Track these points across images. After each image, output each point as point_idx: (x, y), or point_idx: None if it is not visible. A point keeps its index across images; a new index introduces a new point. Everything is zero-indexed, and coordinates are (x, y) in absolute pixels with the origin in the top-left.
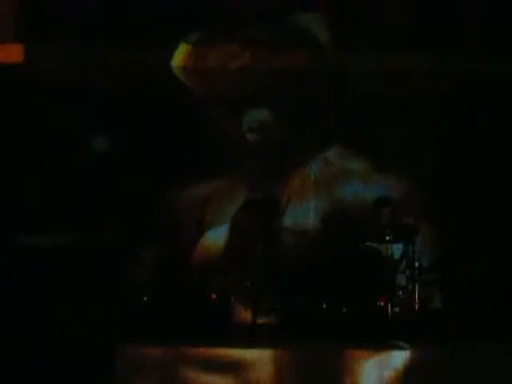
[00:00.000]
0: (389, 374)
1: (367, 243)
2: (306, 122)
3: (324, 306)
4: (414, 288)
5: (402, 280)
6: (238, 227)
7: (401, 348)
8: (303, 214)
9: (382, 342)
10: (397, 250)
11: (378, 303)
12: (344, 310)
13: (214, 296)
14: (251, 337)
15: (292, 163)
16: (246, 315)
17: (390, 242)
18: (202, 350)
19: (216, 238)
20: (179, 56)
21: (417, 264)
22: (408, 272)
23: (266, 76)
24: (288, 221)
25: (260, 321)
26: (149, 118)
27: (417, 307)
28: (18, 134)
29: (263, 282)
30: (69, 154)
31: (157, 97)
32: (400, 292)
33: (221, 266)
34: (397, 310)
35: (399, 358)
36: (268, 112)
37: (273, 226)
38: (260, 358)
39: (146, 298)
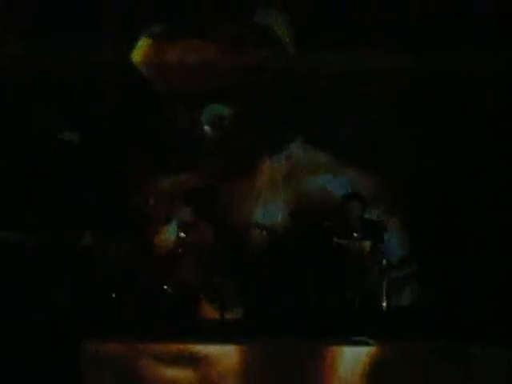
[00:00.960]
0: (354, 369)
1: (335, 239)
2: (268, 118)
3: (291, 301)
4: (381, 284)
5: (370, 276)
6: (180, 220)
7: (367, 344)
8: (270, 209)
9: (348, 338)
10: (366, 246)
11: (346, 299)
12: (311, 305)
13: (183, 292)
14: (218, 332)
15: (255, 159)
16: (213, 311)
17: (358, 238)
18: (167, 345)
19: (171, 232)
20: (139, 50)
21: (385, 261)
22: (376, 268)
23: (227, 71)
24: (257, 216)
25: (227, 316)
26: (109, 114)
27: (384, 304)
28: None
29: (230, 278)
30: (32, 150)
31: (118, 92)
32: (368, 288)
33: (185, 261)
34: (364, 305)
35: (365, 353)
36: (227, 107)
37: (213, 216)
38: (226, 353)
39: (113, 295)
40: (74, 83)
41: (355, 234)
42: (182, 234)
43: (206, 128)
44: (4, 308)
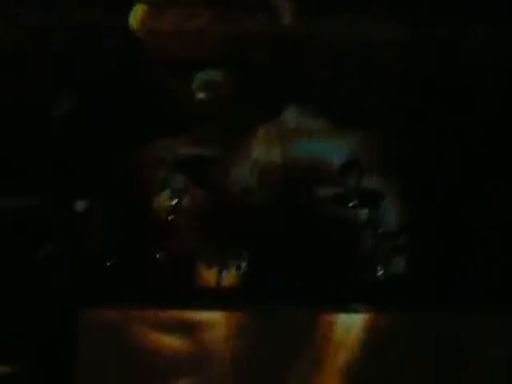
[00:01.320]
0: (350, 338)
1: (332, 207)
2: (263, 85)
3: (289, 269)
4: (378, 254)
5: (366, 245)
6: (173, 188)
7: (363, 312)
8: (266, 174)
9: (344, 306)
10: (362, 214)
11: (343, 268)
12: (309, 273)
13: (179, 258)
14: (216, 299)
15: (248, 124)
16: (211, 277)
17: (354, 207)
18: (163, 312)
19: (166, 200)
20: (134, 17)
21: (381, 230)
22: (373, 237)
23: (222, 38)
24: (251, 182)
25: (223, 283)
26: (100, 80)
27: (381, 273)
28: None
29: (228, 244)
30: (24, 118)
31: (109, 58)
32: (364, 257)
33: (180, 228)
34: (361, 274)
35: (361, 322)
36: (220, 74)
37: (207, 182)
38: (222, 320)
39: (109, 263)
40: (66, 46)
41: (352, 203)
42: (175, 201)
43: (197, 93)
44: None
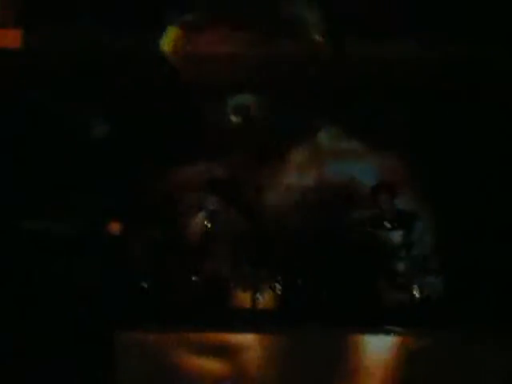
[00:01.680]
0: (385, 359)
1: (367, 229)
2: (295, 107)
3: (323, 291)
4: (413, 275)
5: (401, 267)
6: (207, 210)
7: (398, 334)
8: (301, 196)
9: (380, 328)
10: (397, 236)
11: (377, 289)
12: (343, 295)
13: (214, 281)
14: (251, 321)
15: (284, 146)
16: (245, 300)
17: (390, 229)
18: (200, 335)
19: (201, 222)
20: (167, 40)
21: (417, 250)
22: (408, 259)
23: (255, 61)
24: (287, 204)
25: (259, 305)
26: (136, 104)
27: (416, 294)
28: (12, 119)
29: (263, 267)
30: (63, 140)
31: (145, 82)
32: (399, 279)
33: (215, 250)
34: (396, 296)
35: (397, 343)
36: (253, 97)
37: (240, 204)
38: (258, 342)
39: (146, 285)
40: (102, 72)
41: (387, 225)
42: (208, 224)
43: (232, 117)
44: (35, 300)
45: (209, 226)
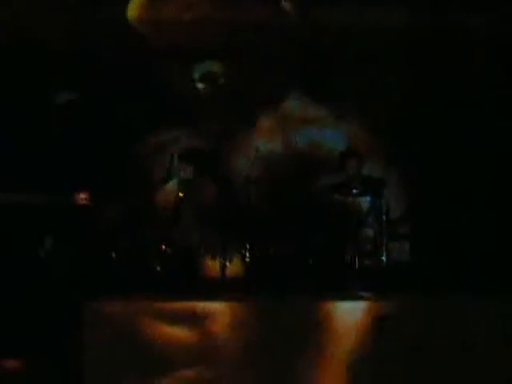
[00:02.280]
0: (354, 325)
1: (335, 195)
2: (264, 74)
3: (292, 258)
4: (381, 241)
5: (369, 233)
6: (180, 179)
7: (366, 299)
8: (269, 164)
9: (348, 293)
10: (364, 202)
11: (346, 255)
12: (310, 261)
13: (184, 249)
14: (219, 290)
15: (252, 114)
16: (214, 268)
17: (357, 195)
18: (168, 303)
19: (171, 191)
20: (134, 6)
21: (384, 217)
22: (375, 225)
23: (222, 26)
24: (255, 171)
25: (228, 273)
26: (104, 71)
27: (384, 259)
28: None
29: (231, 234)
30: (35, 111)
31: (111, 49)
32: (368, 245)
33: (185, 220)
34: (364, 262)
35: (365, 308)
36: (219, 63)
37: (207, 174)
38: (226, 310)
39: (114, 255)
40: (70, 40)
41: (354, 191)
42: (181, 194)
43: (199, 84)
44: (5, 270)
45: (180, 194)
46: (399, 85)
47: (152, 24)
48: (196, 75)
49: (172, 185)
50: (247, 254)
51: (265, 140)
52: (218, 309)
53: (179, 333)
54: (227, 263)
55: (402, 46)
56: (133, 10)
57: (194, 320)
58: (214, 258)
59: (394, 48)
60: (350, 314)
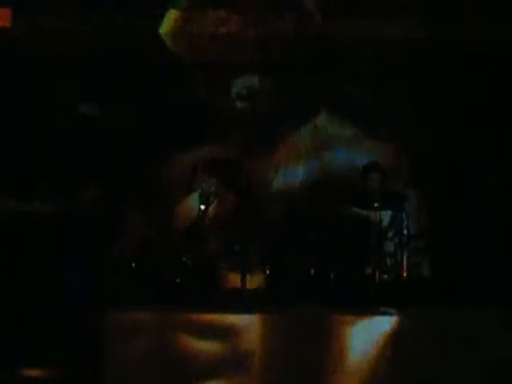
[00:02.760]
0: (375, 339)
1: (356, 209)
2: (294, 89)
3: (312, 270)
4: (402, 255)
5: (390, 247)
6: (203, 191)
7: (387, 314)
8: (293, 179)
9: (369, 308)
10: (385, 216)
11: (366, 269)
12: (332, 275)
13: (205, 261)
14: (240, 302)
15: (281, 130)
16: (235, 280)
17: (378, 208)
18: (190, 315)
19: (193, 203)
20: (167, 22)
21: (405, 231)
22: (396, 239)
23: (254, 42)
24: (277, 186)
25: (249, 286)
26: (137, 85)
27: (405, 274)
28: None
29: (252, 247)
30: (54, 118)
31: (144, 63)
32: (388, 259)
33: (206, 232)
34: (385, 276)
35: (386, 323)
36: (257, 78)
37: (236, 187)
38: (248, 322)
39: (134, 265)
40: (100, 55)
41: (376, 204)
42: (202, 206)
43: (237, 100)
44: (23, 279)
45: (202, 207)
46: (422, 101)
47: (185, 39)
48: (234, 90)
49: (194, 196)
50: (268, 267)
51: (289, 157)
52: (238, 321)
53: (199, 345)
54: (247, 275)
55: (426, 59)
56: (166, 26)
57: (215, 332)
58: (234, 270)
59: (418, 61)
60: (370, 328)
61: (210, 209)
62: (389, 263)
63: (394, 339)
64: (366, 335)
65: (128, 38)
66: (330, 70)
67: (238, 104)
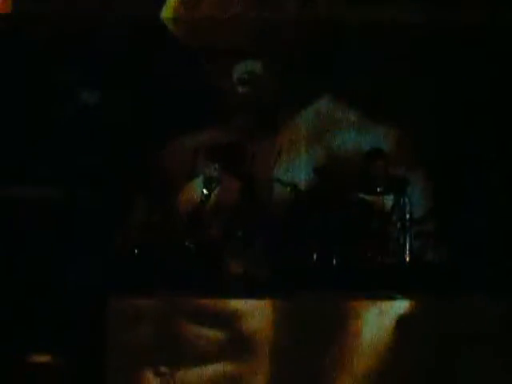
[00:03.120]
0: (381, 323)
1: (359, 194)
2: (296, 73)
3: (315, 256)
4: (405, 239)
5: (393, 231)
6: (206, 176)
7: (393, 298)
8: (295, 164)
9: (373, 293)
10: (388, 201)
11: (369, 254)
12: (335, 260)
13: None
14: (243, 287)
15: (283, 114)
16: (237, 266)
17: (381, 193)
18: (192, 300)
19: (196, 188)
20: (169, 6)
21: (408, 216)
22: (399, 224)
23: (256, 25)
24: (280, 172)
25: (252, 272)
26: (136, 70)
27: (408, 259)
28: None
29: (255, 233)
30: (55, 106)
31: (144, 48)
32: (391, 243)
33: (209, 217)
34: (388, 260)
35: (391, 308)
36: (258, 63)
37: (238, 172)
38: (252, 309)
39: (136, 251)
40: (100, 40)
41: (378, 189)
42: (205, 191)
43: (238, 85)
44: (26, 266)
45: (205, 192)
46: (427, 86)
47: (186, 23)
48: (236, 76)
49: (198, 183)
50: (270, 252)
51: (291, 141)
52: (241, 306)
53: (203, 330)
54: (250, 261)
55: (430, 45)
56: (167, 10)
57: (219, 318)
58: (236, 255)
59: (424, 46)
60: (373, 312)
61: (213, 194)
62: (391, 247)
63: (399, 324)
64: (372, 320)
65: (128, 22)
66: (332, 54)
67: (240, 89)
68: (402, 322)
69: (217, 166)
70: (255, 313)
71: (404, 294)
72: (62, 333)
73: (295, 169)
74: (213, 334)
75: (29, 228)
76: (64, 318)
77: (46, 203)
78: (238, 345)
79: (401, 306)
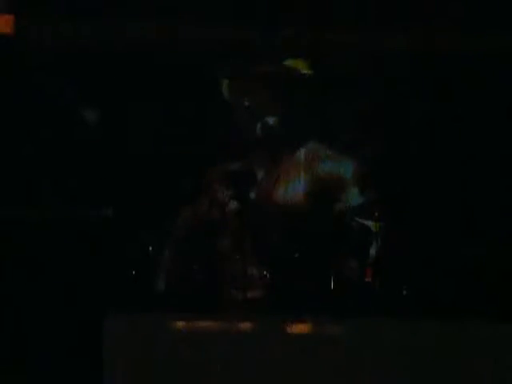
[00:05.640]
0: (376, 347)
1: (356, 219)
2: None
3: (311, 280)
4: (392, 265)
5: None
6: (212, 199)
7: (388, 323)
8: (292, 191)
9: (368, 317)
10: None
11: (366, 279)
12: (332, 284)
13: (202, 270)
14: (239, 310)
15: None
16: (237, 288)
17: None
18: (190, 322)
19: (201, 211)
20: None
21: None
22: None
23: None
24: (277, 197)
25: (248, 294)
26: (145, 96)
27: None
28: (7, 106)
29: (252, 256)
30: (63, 127)
31: (152, 74)
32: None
33: (208, 240)
34: (384, 285)
35: (387, 332)
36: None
37: (248, 197)
38: (247, 331)
39: (134, 272)
40: (118, 63)
41: (376, 214)
42: (212, 216)
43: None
44: (21, 286)
45: (210, 216)
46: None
47: None
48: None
49: (203, 206)
50: (269, 276)
51: (287, 172)
52: (239, 329)
53: (201, 352)
54: (247, 284)
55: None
56: None
57: (217, 339)
58: (237, 278)
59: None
60: (369, 336)
61: (220, 218)
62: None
63: (395, 348)
64: (364, 343)
65: (140, 47)
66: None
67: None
68: (396, 347)
69: (227, 192)
70: (247, 336)
71: (399, 318)
72: (59, 351)
73: (292, 194)
74: (213, 354)
75: (26, 246)
76: (61, 336)
77: (46, 224)
78: (235, 367)
79: (395, 331)
